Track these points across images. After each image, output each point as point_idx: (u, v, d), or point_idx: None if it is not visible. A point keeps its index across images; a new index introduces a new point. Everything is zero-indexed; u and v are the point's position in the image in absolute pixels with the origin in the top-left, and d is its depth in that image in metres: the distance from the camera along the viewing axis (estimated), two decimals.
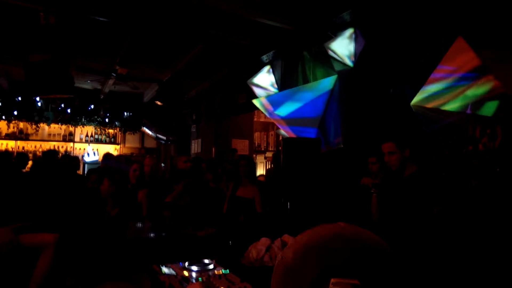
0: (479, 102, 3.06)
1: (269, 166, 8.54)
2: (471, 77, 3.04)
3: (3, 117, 9.09)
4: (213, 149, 8.43)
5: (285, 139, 4.21)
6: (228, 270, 2.30)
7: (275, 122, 5.64)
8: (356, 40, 3.96)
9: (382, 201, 3.12)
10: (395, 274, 1.24)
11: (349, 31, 4.00)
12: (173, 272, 2.22)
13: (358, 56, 3.98)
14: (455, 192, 3.30)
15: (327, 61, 4.49)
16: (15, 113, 9.12)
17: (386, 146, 2.80)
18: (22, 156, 6.59)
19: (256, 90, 5.80)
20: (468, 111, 3.15)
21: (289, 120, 5.00)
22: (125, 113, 10.31)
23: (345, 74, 4.28)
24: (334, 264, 1.14)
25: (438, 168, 3.56)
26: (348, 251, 1.17)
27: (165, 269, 2.26)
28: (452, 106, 3.19)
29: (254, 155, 8.98)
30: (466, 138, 4.09)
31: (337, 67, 4.35)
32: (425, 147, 3.57)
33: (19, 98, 9.05)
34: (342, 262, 1.16)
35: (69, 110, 9.60)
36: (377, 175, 3.79)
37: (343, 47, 4.05)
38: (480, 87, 3.01)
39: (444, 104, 3.23)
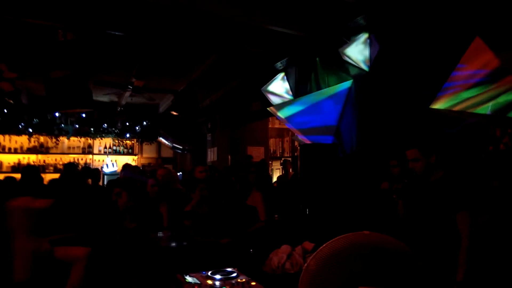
0: (508, 106, 3.01)
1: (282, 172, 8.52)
2: (494, 78, 2.99)
3: (25, 132, 9.34)
4: (229, 157, 8.47)
5: (302, 145, 4.22)
6: (251, 278, 2.30)
7: (292, 130, 5.65)
8: (371, 45, 3.95)
9: (407, 206, 3.06)
10: (421, 281, 1.23)
11: (364, 36, 4.00)
12: (197, 281, 2.24)
13: (374, 60, 3.96)
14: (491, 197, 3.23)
15: (341, 67, 4.48)
16: (36, 127, 9.35)
17: (409, 153, 2.72)
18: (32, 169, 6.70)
19: (271, 98, 5.82)
20: (489, 113, 3.10)
21: (304, 130, 4.99)
22: (142, 124, 10.47)
23: (360, 79, 4.26)
24: (360, 272, 1.14)
25: (465, 172, 3.47)
26: (374, 258, 1.17)
27: (189, 278, 2.28)
28: (480, 109, 3.15)
29: (270, 162, 8.98)
30: (487, 139, 4.02)
31: (352, 72, 4.34)
32: (452, 153, 3.51)
33: (39, 113, 9.29)
34: (368, 270, 1.16)
35: (87, 123, 9.79)
36: (399, 179, 3.75)
37: (358, 51, 4.05)
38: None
39: (472, 107, 3.19)
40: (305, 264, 1.19)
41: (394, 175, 3.81)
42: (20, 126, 9.17)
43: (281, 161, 9.12)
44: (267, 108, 5.58)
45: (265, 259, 3.29)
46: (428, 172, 2.67)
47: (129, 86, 6.96)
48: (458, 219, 2.44)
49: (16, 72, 6.39)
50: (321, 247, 1.21)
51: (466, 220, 2.41)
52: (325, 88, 4.76)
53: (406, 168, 2.96)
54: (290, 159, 8.19)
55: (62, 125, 9.48)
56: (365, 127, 4.21)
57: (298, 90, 5.44)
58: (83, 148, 10.15)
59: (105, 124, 9.98)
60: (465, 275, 2.32)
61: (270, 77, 5.81)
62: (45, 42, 5.03)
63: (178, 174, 8.41)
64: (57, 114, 9.24)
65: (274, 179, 8.21)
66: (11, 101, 7.32)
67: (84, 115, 9.37)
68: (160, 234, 3.87)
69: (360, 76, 4.24)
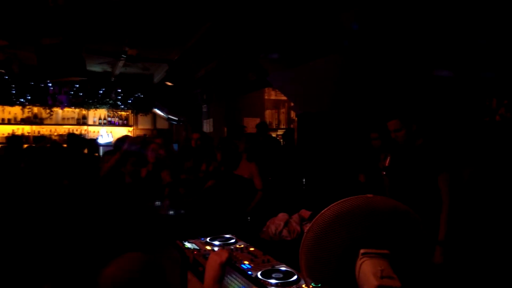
0: None
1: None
2: None
3: (17, 102, 9.20)
4: (225, 128, 8.43)
5: (300, 114, 4.18)
6: (249, 244, 2.33)
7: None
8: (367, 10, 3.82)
9: (392, 174, 3.13)
10: (425, 243, 1.23)
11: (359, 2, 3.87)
12: (196, 247, 2.26)
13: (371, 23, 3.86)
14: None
15: (334, 35, 4.35)
16: (29, 98, 9.21)
17: (391, 124, 2.81)
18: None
19: (268, 67, 5.72)
20: None
21: (300, 99, 4.91)
22: (136, 95, 10.33)
23: (356, 43, 4.16)
24: (364, 234, 1.14)
25: (446, 138, 3.58)
26: (378, 221, 1.16)
27: (188, 244, 2.30)
28: None
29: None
30: (483, 109, 4.02)
31: (345, 39, 4.21)
32: (431, 122, 3.55)
33: (32, 83, 9.11)
34: (372, 232, 1.15)
35: (81, 94, 9.64)
36: (379, 152, 3.75)
37: (353, 16, 3.92)
38: None
39: None
40: (308, 227, 1.18)
41: (374, 147, 3.82)
42: (12, 96, 9.02)
43: (277, 133, 9.12)
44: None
45: (262, 227, 3.33)
46: (411, 140, 2.78)
47: (123, 55, 6.80)
48: (440, 180, 2.58)
49: (6, 40, 6.20)
50: (324, 210, 1.20)
51: (447, 182, 2.56)
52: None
53: (387, 140, 3.02)
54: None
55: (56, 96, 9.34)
56: (364, 96, 4.16)
57: (294, 59, 5.34)
58: (78, 119, 10.06)
59: (99, 95, 9.83)
60: (446, 234, 2.49)
61: (267, 46, 5.68)
62: (35, 8, 4.85)
63: (174, 145, 8.40)
64: (50, 84, 9.08)
65: None
66: (3, 71, 7.16)
67: (77, 85, 9.22)
68: (157, 203, 3.89)
69: (355, 41, 4.13)
